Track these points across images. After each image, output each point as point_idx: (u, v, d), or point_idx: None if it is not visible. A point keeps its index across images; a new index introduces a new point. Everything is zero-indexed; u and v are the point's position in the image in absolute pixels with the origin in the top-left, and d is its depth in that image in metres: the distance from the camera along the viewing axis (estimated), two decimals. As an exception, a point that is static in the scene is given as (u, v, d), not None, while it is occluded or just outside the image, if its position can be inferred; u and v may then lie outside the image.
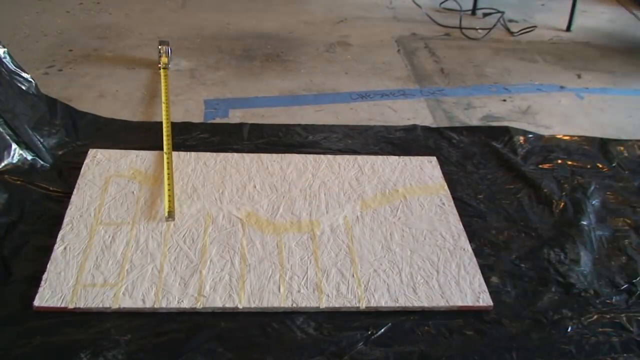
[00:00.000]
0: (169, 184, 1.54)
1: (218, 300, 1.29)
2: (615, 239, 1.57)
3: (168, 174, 1.58)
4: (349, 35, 2.64)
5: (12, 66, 1.69)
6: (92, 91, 2.04)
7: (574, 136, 1.98)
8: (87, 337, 1.20)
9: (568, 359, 1.25)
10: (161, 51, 2.16)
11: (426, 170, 1.73)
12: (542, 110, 2.15)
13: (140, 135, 1.79)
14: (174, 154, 1.68)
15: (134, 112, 1.94)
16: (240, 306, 1.28)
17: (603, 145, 1.93)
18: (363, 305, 1.31)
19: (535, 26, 2.80)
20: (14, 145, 1.60)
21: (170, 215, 1.47)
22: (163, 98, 1.89)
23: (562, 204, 1.67)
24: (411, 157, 1.78)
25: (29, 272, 1.33)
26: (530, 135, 1.95)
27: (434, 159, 1.78)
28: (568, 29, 2.79)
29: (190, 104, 2.03)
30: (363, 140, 1.87)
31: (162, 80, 1.99)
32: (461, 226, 1.54)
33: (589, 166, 1.84)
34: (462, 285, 1.37)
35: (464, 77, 2.34)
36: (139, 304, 1.27)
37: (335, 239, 1.47)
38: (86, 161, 1.65)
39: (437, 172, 1.73)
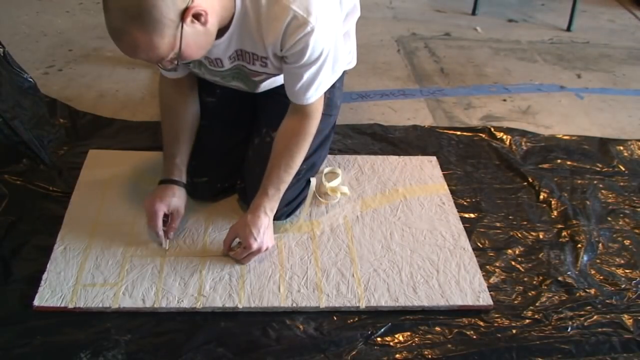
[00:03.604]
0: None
1: (218, 300, 1.29)
2: (615, 239, 1.57)
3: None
4: (349, 35, 2.64)
5: (12, 66, 1.69)
6: (92, 91, 2.04)
7: (573, 136, 1.98)
8: (87, 337, 1.21)
9: (568, 359, 1.26)
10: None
11: (426, 170, 1.73)
12: (542, 110, 2.15)
13: (140, 135, 1.79)
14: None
15: (134, 112, 1.94)
16: (240, 306, 1.28)
17: (603, 145, 1.93)
18: (363, 304, 1.31)
19: None
20: (14, 145, 1.60)
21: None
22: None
23: (562, 203, 1.67)
24: (411, 157, 1.78)
25: (29, 272, 1.33)
26: (530, 135, 1.95)
27: (434, 158, 1.78)
28: (568, 29, 2.79)
29: (190, 104, 2.02)
30: (363, 140, 1.87)
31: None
32: (461, 226, 1.54)
33: (588, 166, 1.84)
34: (462, 284, 1.38)
35: (464, 77, 2.34)
36: (139, 304, 1.27)
37: (335, 239, 1.47)
38: (86, 161, 1.65)
39: (437, 172, 1.73)
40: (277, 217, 1.45)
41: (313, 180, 1.54)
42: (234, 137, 1.54)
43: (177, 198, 1.39)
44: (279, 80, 1.43)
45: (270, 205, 1.36)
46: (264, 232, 1.34)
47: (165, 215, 1.39)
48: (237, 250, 1.36)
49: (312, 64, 1.25)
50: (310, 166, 1.52)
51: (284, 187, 1.37)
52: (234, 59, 1.30)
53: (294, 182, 1.44)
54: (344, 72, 1.59)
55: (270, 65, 1.29)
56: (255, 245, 1.32)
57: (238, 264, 1.37)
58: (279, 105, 1.40)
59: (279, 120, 1.38)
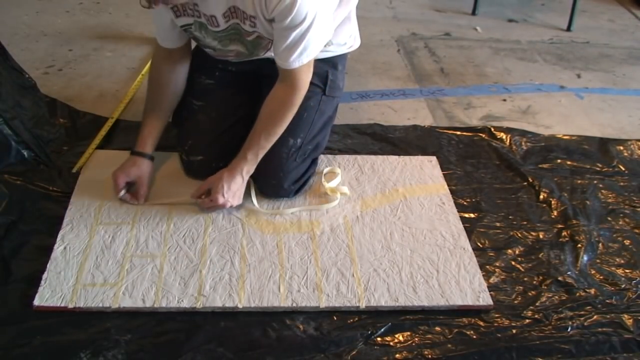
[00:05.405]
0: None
1: (218, 300, 1.29)
2: (615, 239, 1.57)
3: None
4: (349, 35, 2.64)
5: (12, 66, 1.69)
6: (92, 91, 2.04)
7: (573, 136, 1.98)
8: (87, 337, 1.21)
9: (568, 359, 1.26)
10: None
11: (426, 170, 1.73)
12: (542, 110, 2.15)
13: (140, 135, 1.79)
14: (174, 155, 1.67)
15: (134, 112, 1.94)
16: (240, 306, 1.28)
17: (603, 145, 1.93)
18: (363, 304, 1.31)
19: None
20: (14, 145, 1.60)
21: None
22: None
23: (562, 203, 1.67)
24: (411, 157, 1.78)
25: (28, 272, 1.33)
26: (530, 135, 1.95)
27: (434, 158, 1.78)
28: (568, 29, 2.79)
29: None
30: (363, 140, 1.87)
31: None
32: (461, 225, 1.54)
33: (588, 166, 1.84)
34: (462, 284, 1.38)
35: (464, 77, 2.34)
36: (139, 304, 1.27)
37: (335, 239, 1.47)
38: (87, 161, 1.64)
39: (437, 172, 1.73)
40: (285, 195, 1.53)
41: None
42: (229, 117, 1.60)
43: (136, 167, 1.50)
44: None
45: (247, 168, 1.46)
46: (234, 192, 1.45)
47: (130, 184, 1.51)
48: (205, 200, 1.47)
49: (297, 25, 1.30)
50: (315, 146, 1.58)
51: (262, 153, 1.46)
52: (229, 16, 1.35)
53: (299, 162, 1.52)
54: (347, 55, 1.64)
55: (259, 25, 1.35)
56: (221, 201, 1.44)
57: (232, 264, 1.37)
58: None
59: None
